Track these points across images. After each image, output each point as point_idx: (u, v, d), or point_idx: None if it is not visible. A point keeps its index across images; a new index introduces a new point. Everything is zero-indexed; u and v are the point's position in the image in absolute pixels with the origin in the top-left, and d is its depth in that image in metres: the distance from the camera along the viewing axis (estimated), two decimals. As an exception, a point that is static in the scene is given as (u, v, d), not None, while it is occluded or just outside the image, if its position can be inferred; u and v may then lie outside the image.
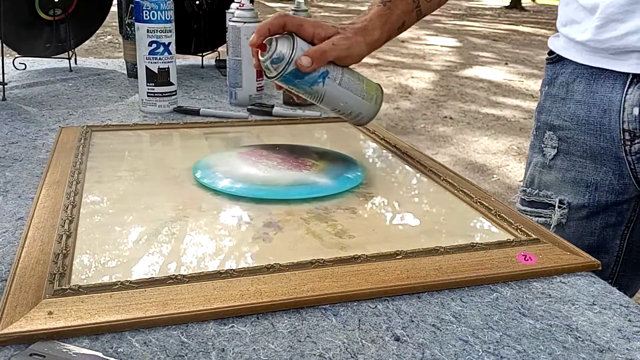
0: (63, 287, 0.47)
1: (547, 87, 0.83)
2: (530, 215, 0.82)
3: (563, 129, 0.79)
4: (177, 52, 1.07)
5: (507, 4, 14.76)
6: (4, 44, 1.16)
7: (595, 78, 0.75)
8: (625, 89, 0.72)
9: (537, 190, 0.83)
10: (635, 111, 0.71)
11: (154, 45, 1.02)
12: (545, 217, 0.82)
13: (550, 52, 0.84)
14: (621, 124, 0.73)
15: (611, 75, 0.74)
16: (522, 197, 0.86)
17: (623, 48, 0.71)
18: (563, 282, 0.52)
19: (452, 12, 13.05)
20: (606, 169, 0.76)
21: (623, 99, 0.72)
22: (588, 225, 0.79)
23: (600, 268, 0.55)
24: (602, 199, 0.77)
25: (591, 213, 0.78)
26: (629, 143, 0.73)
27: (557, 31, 0.83)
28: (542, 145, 0.83)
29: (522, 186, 0.87)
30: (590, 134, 0.76)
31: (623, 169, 0.75)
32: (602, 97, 0.75)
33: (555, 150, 0.80)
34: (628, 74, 0.72)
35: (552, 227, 0.80)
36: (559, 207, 0.80)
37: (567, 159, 0.79)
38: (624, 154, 0.74)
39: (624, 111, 0.72)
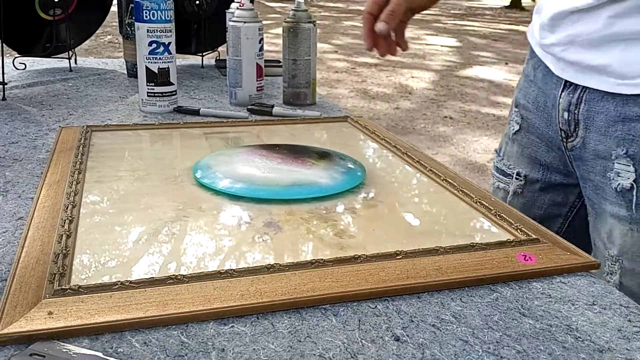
0: (63, 287, 0.47)
1: (525, 65, 0.88)
2: (497, 180, 0.91)
3: (525, 109, 0.85)
4: (177, 52, 1.07)
5: (507, 4, 14.75)
6: (4, 44, 1.16)
7: (548, 72, 0.79)
8: (560, 92, 0.76)
9: (502, 159, 0.91)
10: (565, 115, 0.76)
11: (154, 45, 1.02)
12: (505, 184, 0.90)
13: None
14: (558, 122, 0.77)
15: (554, 75, 0.78)
16: (494, 161, 0.94)
17: (553, 54, 0.76)
18: (563, 282, 0.52)
19: (452, 11, 13.05)
20: (554, 154, 0.82)
21: (558, 101, 0.77)
22: (538, 198, 0.86)
23: (599, 268, 0.55)
24: (553, 178, 0.84)
25: (542, 188, 0.85)
26: (564, 140, 0.78)
27: None
28: (510, 119, 0.89)
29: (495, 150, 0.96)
30: (543, 121, 0.81)
31: (565, 159, 0.80)
32: (550, 93, 0.79)
33: (518, 126, 0.87)
34: (561, 78, 0.76)
35: (509, 194, 0.88)
36: (516, 178, 0.87)
37: (526, 137, 0.85)
38: (563, 149, 0.79)
39: (558, 112, 0.77)
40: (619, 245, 0.71)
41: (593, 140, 0.73)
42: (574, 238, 0.76)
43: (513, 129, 0.87)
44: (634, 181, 0.68)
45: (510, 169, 0.88)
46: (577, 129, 0.75)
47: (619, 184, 0.70)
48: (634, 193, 0.68)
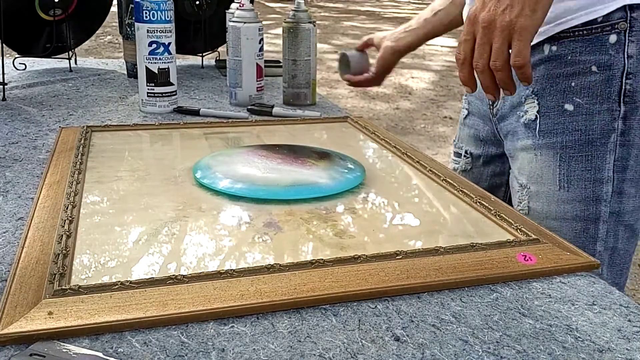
0: (63, 287, 0.47)
1: None
2: (453, 163, 1.03)
3: (471, 95, 0.96)
4: (177, 52, 1.07)
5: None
6: (4, 44, 1.16)
7: None
8: None
9: (456, 142, 1.02)
10: None
11: (154, 45, 1.02)
12: (457, 164, 1.01)
13: None
14: None
15: None
16: (453, 147, 1.05)
17: None
18: (563, 282, 0.52)
19: (452, 12, 13.01)
20: (488, 128, 0.93)
21: None
22: (483, 172, 0.97)
23: (598, 268, 0.55)
24: (489, 150, 0.95)
25: (484, 162, 0.97)
26: (491, 107, 0.88)
27: None
28: (463, 106, 1.01)
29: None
30: (479, 99, 0.93)
31: (494, 128, 0.91)
32: None
33: (467, 111, 0.98)
34: None
35: (459, 171, 1.00)
36: (465, 156, 0.99)
37: (471, 119, 0.97)
38: (490, 116, 0.90)
39: None
40: (527, 173, 0.82)
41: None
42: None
43: (463, 115, 0.99)
44: (537, 112, 0.80)
45: (461, 149, 1.00)
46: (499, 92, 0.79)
47: (526, 119, 0.81)
48: (537, 122, 0.80)
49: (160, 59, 1.03)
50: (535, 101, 0.80)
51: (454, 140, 1.04)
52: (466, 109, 0.98)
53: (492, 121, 0.90)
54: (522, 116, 0.81)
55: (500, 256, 0.55)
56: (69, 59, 1.41)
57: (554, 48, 0.77)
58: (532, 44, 0.68)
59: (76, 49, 1.44)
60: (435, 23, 1.08)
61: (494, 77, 0.66)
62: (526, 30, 0.63)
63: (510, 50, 0.64)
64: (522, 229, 0.60)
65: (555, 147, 0.78)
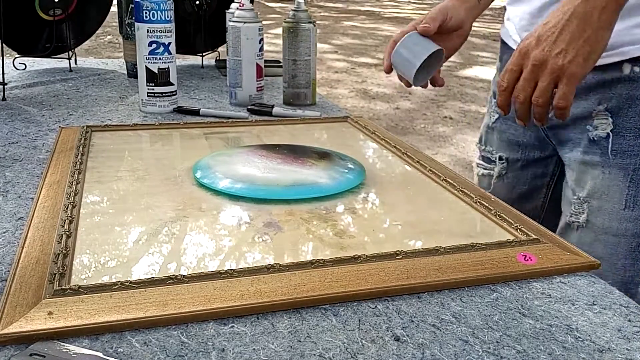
0: (63, 287, 0.47)
1: (498, 62, 0.98)
2: (482, 169, 1.00)
3: None
4: (177, 52, 1.07)
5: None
6: (4, 44, 1.16)
7: None
8: None
9: (484, 147, 0.99)
10: None
11: (154, 45, 1.02)
12: (489, 170, 0.98)
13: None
14: None
15: None
16: (479, 152, 1.02)
17: None
18: (563, 282, 0.52)
19: (452, 12, 13.01)
20: (530, 132, 0.91)
21: None
22: (522, 175, 0.94)
23: (600, 268, 0.55)
24: (531, 154, 0.92)
25: (523, 166, 0.94)
26: None
27: None
28: (490, 110, 0.98)
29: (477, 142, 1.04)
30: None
31: (540, 132, 0.89)
32: None
33: (497, 115, 0.95)
34: None
35: (494, 177, 0.97)
36: (500, 162, 0.96)
37: (504, 123, 0.94)
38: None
39: None
40: (589, 188, 0.81)
41: (573, 106, 0.76)
42: (559, 202, 0.88)
43: (493, 118, 0.96)
44: (611, 131, 0.78)
45: (493, 155, 0.97)
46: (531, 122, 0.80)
47: (595, 134, 0.79)
48: (610, 140, 0.78)
49: (160, 59, 1.03)
50: (609, 119, 0.78)
51: (479, 145, 1.00)
52: (496, 112, 0.95)
53: (540, 127, 0.87)
54: (590, 130, 0.80)
55: (500, 256, 0.55)
56: (69, 59, 1.41)
57: (637, 69, 0.76)
58: (609, 62, 0.72)
59: (76, 49, 1.44)
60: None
61: (530, 108, 0.68)
62: (575, 76, 0.65)
63: (554, 90, 0.66)
64: (522, 229, 0.60)
65: (627, 169, 0.77)
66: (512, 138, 0.94)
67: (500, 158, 0.96)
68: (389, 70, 0.85)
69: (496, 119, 0.95)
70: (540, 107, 0.67)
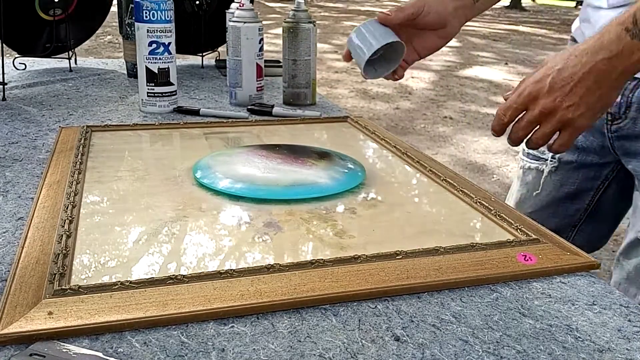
0: (63, 287, 0.47)
1: None
2: (527, 162, 0.97)
3: None
4: (177, 52, 1.07)
5: (507, 4, 14.76)
6: (4, 44, 1.16)
7: None
8: None
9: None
10: (617, 99, 0.78)
11: (154, 45, 1.02)
12: (539, 165, 0.96)
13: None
14: None
15: None
16: (523, 146, 0.98)
17: None
18: (563, 282, 0.52)
19: (452, 12, 13.00)
20: (593, 139, 0.88)
21: None
22: (572, 175, 0.93)
23: (600, 268, 0.55)
24: (588, 158, 0.90)
25: (576, 167, 0.92)
26: (610, 123, 0.83)
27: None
28: None
29: None
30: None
31: (605, 142, 0.86)
32: None
33: None
34: None
35: (544, 174, 0.94)
36: (551, 161, 0.93)
37: None
38: (605, 131, 0.85)
39: None
40: None
41: None
42: (603, 208, 0.92)
43: None
44: None
45: (544, 154, 0.93)
46: (627, 111, 0.80)
47: None
48: None
49: (160, 58, 1.03)
50: None
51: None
52: None
53: (607, 135, 0.85)
54: None
55: (500, 256, 0.55)
56: (69, 58, 1.41)
57: None
58: None
59: (76, 49, 1.44)
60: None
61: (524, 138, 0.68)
62: (581, 129, 0.65)
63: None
64: (522, 229, 0.60)
65: None
66: None
67: (553, 157, 0.93)
68: (348, 59, 0.79)
69: None
70: (535, 145, 0.66)
